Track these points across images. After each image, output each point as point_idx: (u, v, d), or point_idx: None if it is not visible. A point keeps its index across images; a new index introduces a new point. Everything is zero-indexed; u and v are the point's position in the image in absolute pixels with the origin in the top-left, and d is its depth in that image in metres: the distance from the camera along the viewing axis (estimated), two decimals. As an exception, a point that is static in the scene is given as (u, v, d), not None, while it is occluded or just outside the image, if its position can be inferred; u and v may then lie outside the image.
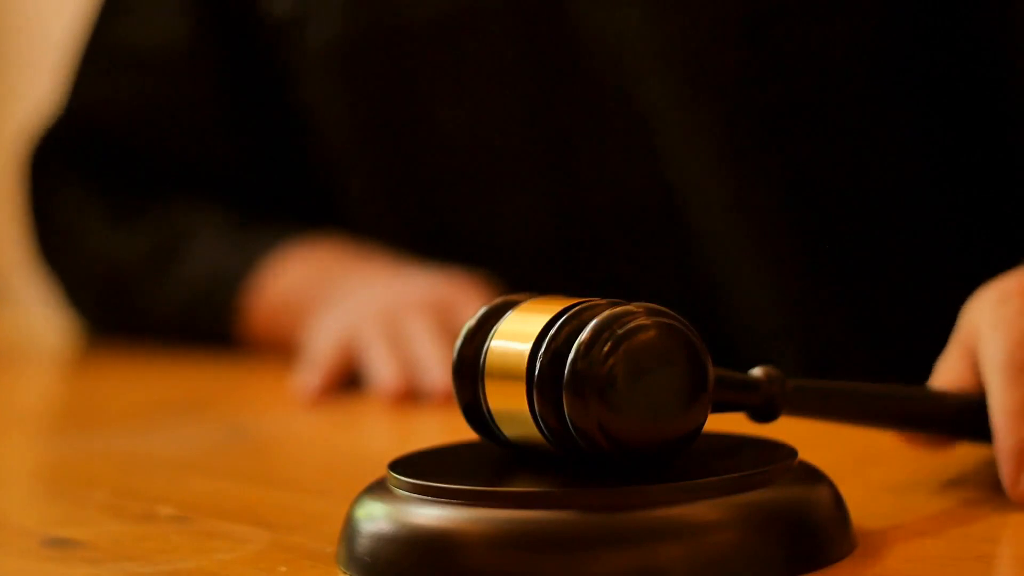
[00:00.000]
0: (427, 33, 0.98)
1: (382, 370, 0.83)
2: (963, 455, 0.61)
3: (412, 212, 1.03)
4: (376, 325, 0.87)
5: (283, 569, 0.48)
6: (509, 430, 0.47)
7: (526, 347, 0.45)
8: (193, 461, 0.70)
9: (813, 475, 0.47)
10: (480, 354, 0.47)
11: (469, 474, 0.47)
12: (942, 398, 0.55)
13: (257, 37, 1.06)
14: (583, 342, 0.44)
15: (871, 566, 0.45)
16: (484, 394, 0.47)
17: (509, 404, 0.46)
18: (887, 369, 0.89)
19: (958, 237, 0.93)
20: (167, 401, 0.90)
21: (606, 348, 0.44)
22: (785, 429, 0.54)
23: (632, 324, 0.44)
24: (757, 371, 0.50)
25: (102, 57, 1.10)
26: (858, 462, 0.61)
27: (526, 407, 0.45)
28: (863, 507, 0.49)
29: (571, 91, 0.94)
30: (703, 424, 0.45)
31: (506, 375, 0.46)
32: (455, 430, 0.78)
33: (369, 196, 1.05)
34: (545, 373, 0.45)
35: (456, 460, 0.50)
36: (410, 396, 0.82)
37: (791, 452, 0.47)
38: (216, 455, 0.71)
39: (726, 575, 0.43)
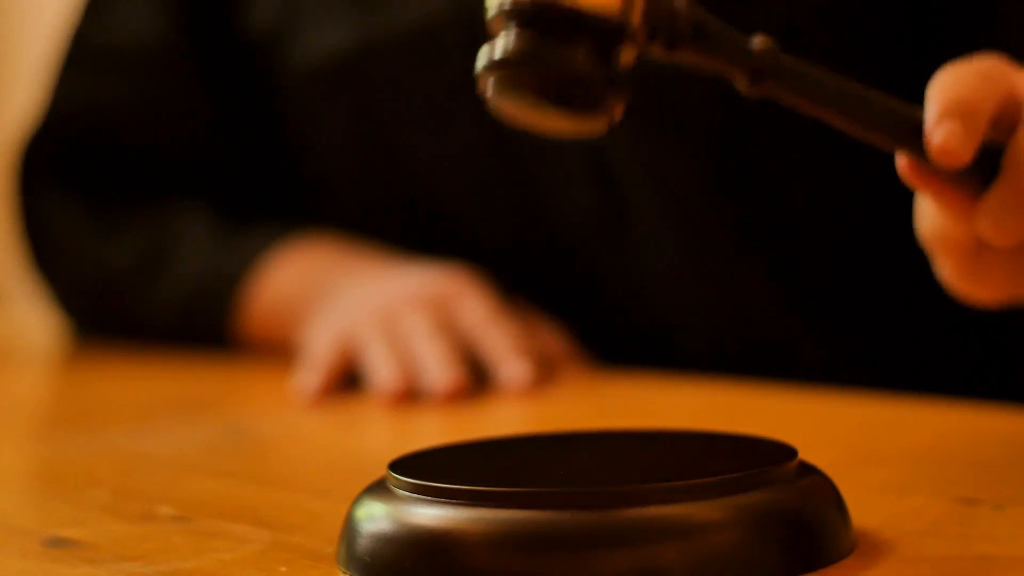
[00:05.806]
0: (396, 53, 0.98)
1: (381, 369, 0.83)
2: (963, 455, 0.61)
3: (389, 223, 1.03)
4: (374, 323, 0.87)
5: (283, 569, 0.48)
6: None
7: None
8: (193, 461, 0.70)
9: (813, 475, 0.47)
10: None
11: (469, 474, 0.47)
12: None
13: (237, 47, 1.06)
14: None
15: (871, 566, 0.45)
16: None
17: None
18: (828, 367, 0.91)
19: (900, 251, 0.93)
20: (167, 401, 0.90)
21: None
22: (785, 429, 0.54)
23: None
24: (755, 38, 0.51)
25: (83, 58, 1.09)
26: (858, 462, 0.61)
27: None
28: (863, 507, 0.49)
29: None
30: None
31: None
32: (455, 430, 0.78)
33: (350, 201, 1.04)
34: None
35: (456, 460, 0.50)
36: (410, 395, 0.82)
37: (791, 452, 0.47)
38: (216, 455, 0.71)
39: (726, 575, 0.43)
